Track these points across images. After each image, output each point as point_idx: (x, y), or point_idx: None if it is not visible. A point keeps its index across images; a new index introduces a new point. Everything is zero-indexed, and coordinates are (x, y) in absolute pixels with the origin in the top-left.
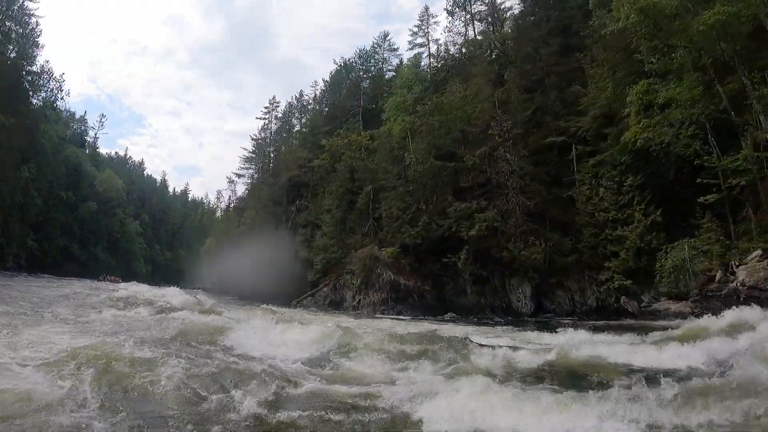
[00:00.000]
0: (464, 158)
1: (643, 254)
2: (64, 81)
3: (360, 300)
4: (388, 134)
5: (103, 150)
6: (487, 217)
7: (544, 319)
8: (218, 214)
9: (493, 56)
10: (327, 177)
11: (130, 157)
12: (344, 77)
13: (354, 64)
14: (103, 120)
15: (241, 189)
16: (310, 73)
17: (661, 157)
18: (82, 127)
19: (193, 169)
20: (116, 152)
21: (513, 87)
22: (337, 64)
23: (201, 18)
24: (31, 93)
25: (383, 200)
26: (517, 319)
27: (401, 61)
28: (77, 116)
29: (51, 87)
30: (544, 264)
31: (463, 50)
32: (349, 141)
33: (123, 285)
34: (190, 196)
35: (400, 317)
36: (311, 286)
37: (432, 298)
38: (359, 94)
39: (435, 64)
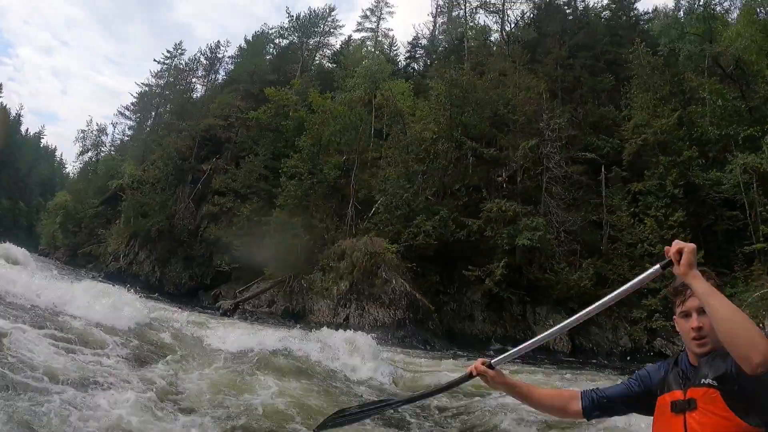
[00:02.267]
0: (504, 147)
1: None
2: None
3: (348, 315)
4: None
5: None
6: (539, 224)
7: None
8: (77, 164)
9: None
10: (262, 136)
11: None
12: (266, 42)
13: (293, 26)
14: None
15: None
16: (199, 45)
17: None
18: None
19: (52, 117)
20: None
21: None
22: (292, 18)
23: None
24: None
25: (375, 177)
26: (584, 362)
27: (348, 38)
28: None
29: None
30: (580, 294)
31: (467, 36)
32: (312, 99)
33: None
34: (43, 141)
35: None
36: (212, 278)
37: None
38: (302, 58)
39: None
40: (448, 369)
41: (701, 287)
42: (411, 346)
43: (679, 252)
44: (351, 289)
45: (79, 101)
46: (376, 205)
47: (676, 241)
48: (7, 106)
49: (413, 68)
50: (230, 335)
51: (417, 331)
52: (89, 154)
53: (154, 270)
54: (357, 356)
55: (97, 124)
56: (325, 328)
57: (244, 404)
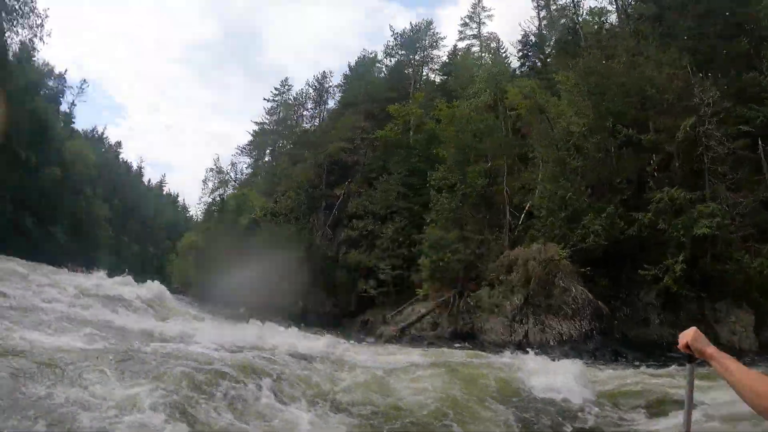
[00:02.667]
0: (659, 131)
1: None
2: (47, 17)
3: (527, 332)
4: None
5: (78, 127)
6: (715, 210)
7: None
8: (199, 208)
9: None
10: (392, 154)
11: (107, 137)
12: (369, 68)
13: (393, 45)
14: (83, 86)
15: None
16: (298, 83)
17: None
18: (60, 86)
19: (168, 167)
20: (95, 126)
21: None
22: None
23: (195, 14)
24: None
25: (518, 181)
26: None
27: (454, 48)
28: (56, 71)
29: (28, 19)
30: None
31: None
32: (440, 109)
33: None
34: (165, 189)
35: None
36: (356, 305)
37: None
38: (412, 74)
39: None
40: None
41: (719, 365)
42: (606, 360)
43: (686, 345)
44: (526, 302)
45: (190, 150)
46: (528, 208)
47: (681, 334)
48: (129, 161)
49: (528, 67)
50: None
51: (605, 341)
52: (218, 191)
53: (296, 300)
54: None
55: (217, 166)
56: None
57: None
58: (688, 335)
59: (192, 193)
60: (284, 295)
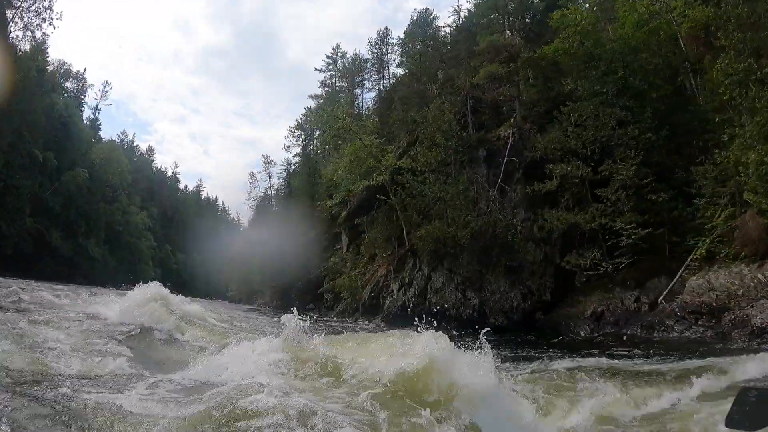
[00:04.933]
0: None
1: None
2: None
3: None
4: None
5: (104, 136)
6: None
7: None
8: (250, 201)
9: None
10: (561, 76)
11: (138, 145)
12: (429, 22)
13: None
14: (107, 88)
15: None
16: (318, 77)
17: None
18: (81, 86)
19: (201, 176)
20: (123, 130)
21: None
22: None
23: (207, 23)
24: None
25: None
26: None
27: None
28: (74, 71)
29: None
30: None
31: None
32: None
33: None
34: (203, 194)
35: None
36: (552, 291)
37: None
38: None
39: None
40: None
41: None
42: None
43: None
44: None
45: (222, 156)
46: None
47: None
48: (163, 167)
49: None
50: None
51: None
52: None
53: (466, 297)
54: None
55: (263, 156)
56: None
57: None
58: None
59: (228, 198)
60: (441, 293)
